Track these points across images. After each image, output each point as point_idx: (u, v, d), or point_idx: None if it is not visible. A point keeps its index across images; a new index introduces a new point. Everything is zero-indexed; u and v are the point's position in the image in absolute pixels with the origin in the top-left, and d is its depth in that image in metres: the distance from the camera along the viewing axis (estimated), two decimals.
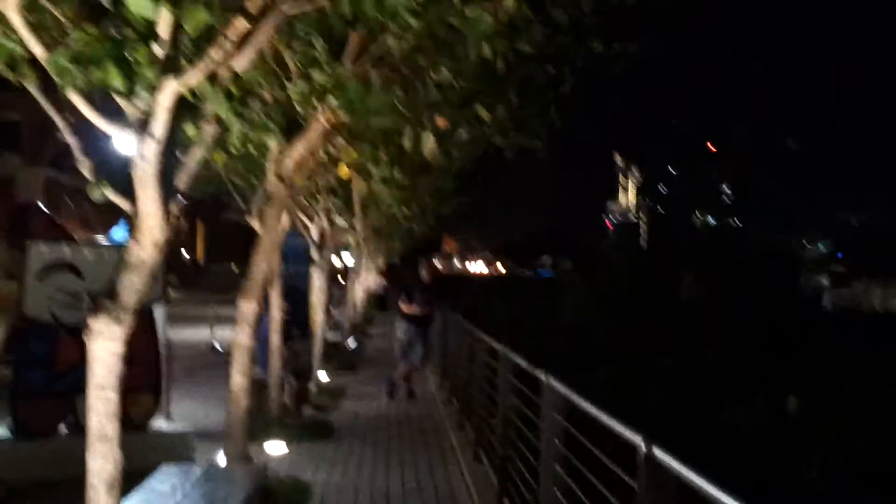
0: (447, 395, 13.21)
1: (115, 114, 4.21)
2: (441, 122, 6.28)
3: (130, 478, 8.09)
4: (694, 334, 16.81)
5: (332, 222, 15.27)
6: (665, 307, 20.91)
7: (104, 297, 4.32)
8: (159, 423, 9.45)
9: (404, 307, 13.89)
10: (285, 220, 10.72)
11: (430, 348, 14.98)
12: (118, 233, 9.29)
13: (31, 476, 8.15)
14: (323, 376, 15.52)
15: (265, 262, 7.65)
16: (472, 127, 7.23)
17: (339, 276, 40.83)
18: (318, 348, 15.03)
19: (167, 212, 4.27)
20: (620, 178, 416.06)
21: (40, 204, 8.90)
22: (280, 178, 7.60)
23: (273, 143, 8.38)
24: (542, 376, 5.08)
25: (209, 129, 4.61)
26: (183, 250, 75.10)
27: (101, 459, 4.47)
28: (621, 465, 3.81)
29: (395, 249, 36.41)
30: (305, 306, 17.35)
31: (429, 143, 6.71)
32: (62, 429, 8.75)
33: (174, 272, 54.47)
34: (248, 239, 10.95)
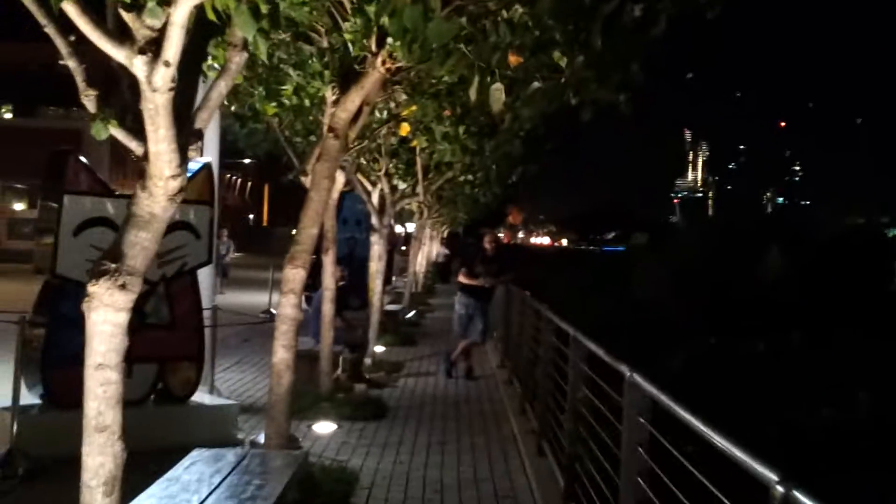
0: (508, 376, 12.39)
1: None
2: (513, 59, 5.41)
3: (166, 456, 7.48)
4: (777, 315, 15.52)
5: (393, 187, 14.52)
6: (744, 284, 19.65)
7: (106, 259, 3.58)
8: (201, 396, 8.81)
9: (464, 279, 13.08)
10: (340, 180, 9.98)
11: (490, 323, 14.19)
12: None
13: (58, 451, 7.53)
14: (379, 349, 14.83)
15: (314, 225, 6.89)
16: (547, 78, 6.35)
17: (401, 245, 40.26)
18: (375, 319, 14.33)
19: (184, 155, 3.51)
20: (690, 154, 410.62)
21: (78, 155, 8.17)
22: (332, 131, 6.82)
23: (328, 93, 7.64)
24: (626, 371, 4.24)
25: (236, 57, 3.83)
26: (250, 214, 75.37)
27: (99, 455, 3.74)
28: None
29: (458, 218, 35.60)
30: (365, 274, 16.69)
31: (497, 94, 5.85)
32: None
33: (239, 235, 54.56)
34: None
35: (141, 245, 3.58)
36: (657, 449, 4.06)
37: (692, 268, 20.10)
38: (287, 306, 6.90)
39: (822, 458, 9.93)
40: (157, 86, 3.28)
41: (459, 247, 49.66)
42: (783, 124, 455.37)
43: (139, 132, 3.51)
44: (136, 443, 8.04)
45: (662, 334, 14.48)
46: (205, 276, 10.09)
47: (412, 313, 22.03)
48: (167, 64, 3.27)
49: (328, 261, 10.15)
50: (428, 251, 37.45)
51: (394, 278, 34.39)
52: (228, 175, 61.60)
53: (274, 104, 8.78)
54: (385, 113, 9.84)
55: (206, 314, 9.49)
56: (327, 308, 10.17)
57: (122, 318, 3.62)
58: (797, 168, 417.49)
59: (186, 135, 3.58)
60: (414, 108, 8.64)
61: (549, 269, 36.30)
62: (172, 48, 3.25)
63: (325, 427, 9.24)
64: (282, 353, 6.89)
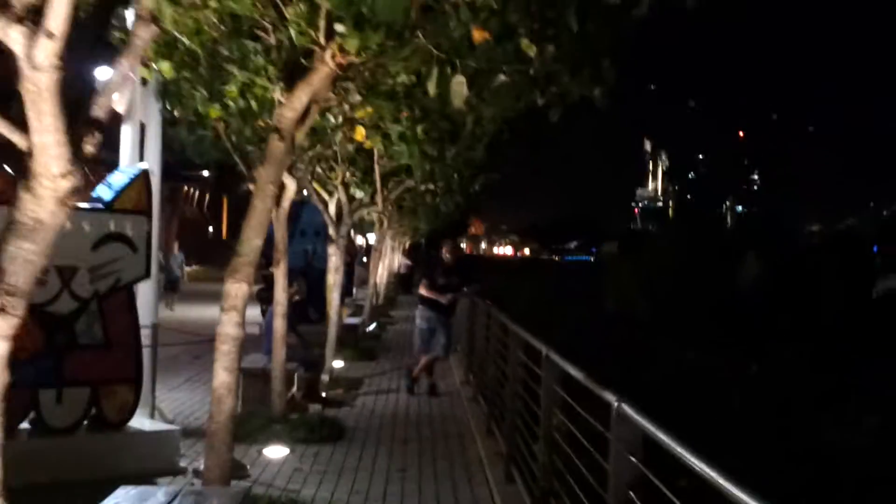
0: (473, 392, 11.76)
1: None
2: (478, 34, 4.82)
3: (99, 488, 6.80)
4: (759, 327, 14.77)
5: (350, 196, 13.87)
6: (723, 294, 18.88)
7: None
8: (140, 421, 8.11)
9: (425, 291, 12.45)
10: (291, 187, 9.34)
11: (453, 336, 13.57)
12: (104, 190, 7.84)
13: None
14: (338, 364, 14.17)
15: (258, 235, 6.25)
16: (514, 71, 5.77)
17: (362, 256, 39.55)
18: (333, 334, 13.67)
19: (77, 149, 2.89)
20: (649, 163, 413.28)
21: None
22: (277, 132, 6.19)
23: (276, 94, 7.02)
24: (614, 401, 3.65)
25: (142, 31, 3.20)
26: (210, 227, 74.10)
27: None
28: None
29: (420, 229, 34.97)
30: (324, 287, 16.00)
31: (458, 88, 5.27)
32: (24, 427, 7.42)
33: (197, 248, 53.47)
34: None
35: (24, 258, 2.94)
36: (648, 487, 3.48)
37: (666, 277, 19.37)
38: (228, 324, 6.25)
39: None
40: (38, 63, 2.66)
41: (422, 258, 49.08)
42: (742, 134, 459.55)
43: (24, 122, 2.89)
44: (68, 474, 7.37)
45: (637, 348, 13.78)
46: (146, 291, 9.44)
47: (373, 326, 21.37)
48: (50, 36, 2.65)
49: (279, 274, 9.49)
50: (389, 262, 36.77)
51: (354, 290, 33.71)
52: (186, 188, 60.41)
53: (218, 106, 8.15)
54: (339, 117, 9.24)
55: (147, 332, 8.82)
56: (279, 324, 9.51)
57: (2, 348, 2.97)
58: (755, 177, 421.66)
59: (81, 125, 2.95)
60: (369, 110, 8.03)
61: (513, 279, 35.61)
62: (57, 17, 2.63)
63: (276, 451, 8.60)
64: (223, 377, 6.24)
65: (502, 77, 5.59)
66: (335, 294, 13.81)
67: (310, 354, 11.42)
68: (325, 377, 12.60)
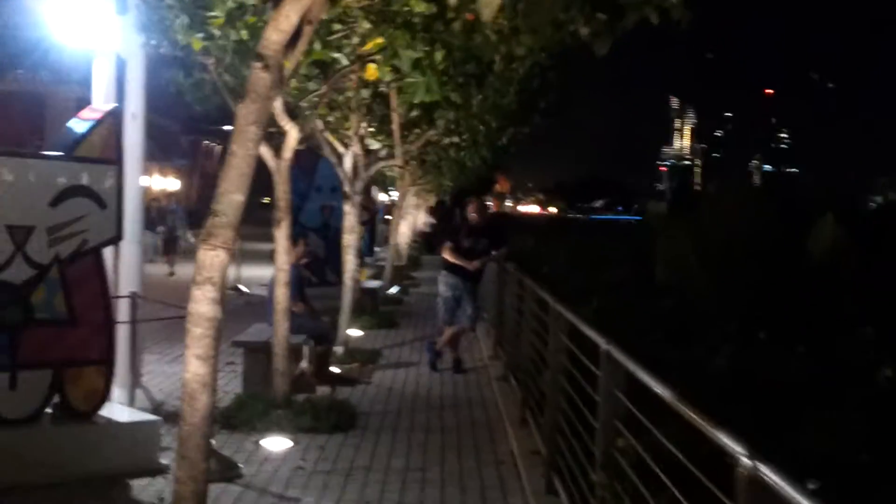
0: (503, 370, 10.43)
1: None
2: None
3: (65, 490, 5.68)
4: (841, 308, 13.14)
5: (366, 149, 12.55)
6: (796, 268, 17.10)
7: None
8: (115, 409, 6.90)
9: (449, 255, 11.11)
10: (294, 135, 8.03)
11: (481, 305, 12.26)
12: (65, 135, 6.48)
13: None
14: (354, 333, 12.94)
15: (238, 189, 4.95)
16: None
17: (385, 214, 38.30)
18: (348, 299, 12.42)
19: None
20: (675, 121, 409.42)
21: None
22: (261, 59, 4.88)
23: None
24: (743, 457, 2.34)
25: None
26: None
27: None
28: None
29: (444, 186, 33.61)
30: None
31: None
32: None
33: (204, 208, 52.31)
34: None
35: None
36: None
37: (732, 244, 17.59)
38: (202, 302, 4.97)
39: None
40: None
41: (445, 215, 47.76)
42: (770, 91, 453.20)
43: None
44: (24, 474, 6.14)
45: (700, 327, 12.27)
46: (129, 253, 8.21)
47: (394, 289, 20.11)
48: None
49: (281, 235, 8.21)
50: (412, 221, 35.51)
51: (377, 249, 32.47)
52: (206, 142, 59.32)
53: (201, 36, 6.85)
54: (349, 55, 7.91)
55: (126, 303, 7.60)
56: (280, 293, 8.24)
57: None
58: (784, 136, 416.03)
59: None
60: (380, 40, 6.69)
61: (543, 240, 34.04)
62: None
63: (276, 443, 7.39)
64: (195, 367, 4.97)
65: None
66: (350, 256, 12.52)
67: (320, 325, 10.17)
68: (338, 349, 11.38)
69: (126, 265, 8.18)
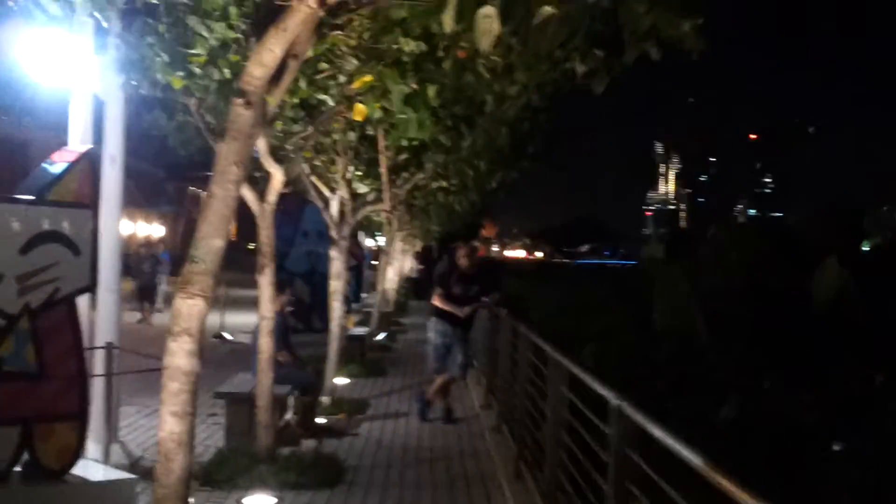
0: (496, 420, 10.06)
1: None
2: None
3: None
4: (851, 352, 12.61)
5: (353, 193, 12.27)
6: (800, 312, 16.54)
7: None
8: (89, 467, 6.51)
9: (439, 302, 10.79)
10: (278, 177, 7.74)
11: (472, 353, 11.91)
12: (38, 177, 6.15)
13: None
14: (341, 382, 12.58)
15: (217, 233, 4.67)
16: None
17: (371, 259, 38.00)
18: (334, 348, 12.06)
19: None
20: (660, 166, 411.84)
21: None
22: (244, 95, 4.60)
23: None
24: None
25: None
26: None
27: None
28: None
29: (431, 231, 33.33)
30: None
31: (486, 24, 3.68)
32: None
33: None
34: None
35: None
36: None
37: (729, 287, 17.09)
38: (178, 354, 4.66)
39: None
40: None
41: (433, 260, 47.42)
42: (753, 136, 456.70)
43: None
44: None
45: (705, 378, 11.84)
46: (106, 302, 7.89)
47: (382, 336, 19.74)
48: None
49: (265, 282, 7.88)
50: (399, 266, 35.17)
51: (363, 295, 32.09)
52: (192, 188, 59.03)
53: (181, 74, 6.58)
54: (333, 89, 7.65)
55: (101, 355, 7.25)
56: (264, 343, 7.90)
57: None
58: (768, 180, 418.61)
59: None
60: (368, 78, 6.43)
61: (532, 285, 33.70)
62: None
63: (259, 501, 7.00)
64: (171, 425, 4.65)
65: (548, 8, 3.93)
66: (336, 303, 12.18)
67: (305, 375, 9.81)
68: (325, 399, 11.01)
69: (103, 314, 7.85)
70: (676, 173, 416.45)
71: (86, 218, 6.19)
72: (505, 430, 9.25)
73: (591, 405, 4.81)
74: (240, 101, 4.65)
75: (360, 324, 19.78)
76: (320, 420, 10.00)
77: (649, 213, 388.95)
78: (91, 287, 6.38)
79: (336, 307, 12.17)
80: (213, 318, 19.66)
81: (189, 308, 4.63)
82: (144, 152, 35.96)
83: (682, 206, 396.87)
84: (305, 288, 20.74)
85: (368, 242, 38.87)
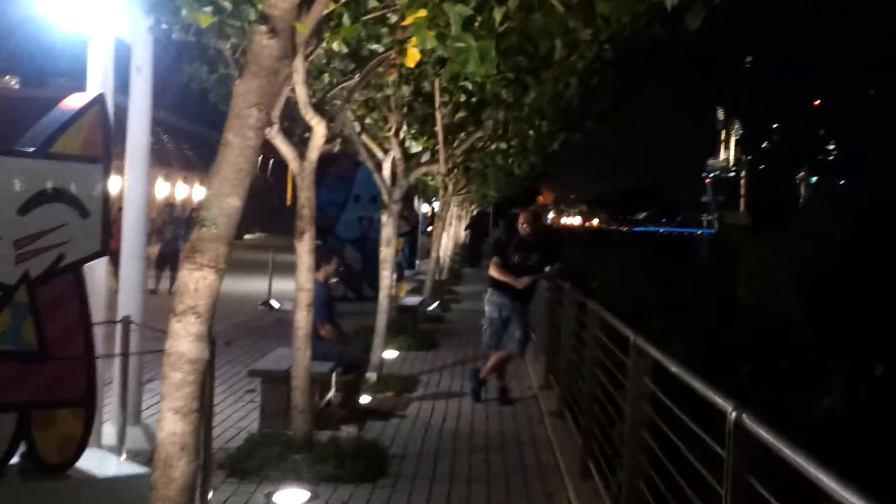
0: (558, 404, 9.15)
1: None
2: None
3: None
4: None
5: (406, 153, 11.38)
6: None
7: None
8: (97, 459, 5.75)
9: (496, 273, 9.89)
10: (320, 131, 6.85)
11: (531, 328, 10.98)
12: (40, 129, 5.26)
13: None
14: (390, 355, 11.80)
15: (233, 191, 3.81)
16: None
17: (427, 225, 37.17)
18: (382, 320, 11.24)
19: None
20: (721, 133, 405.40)
21: None
22: (267, 21, 3.73)
23: None
24: None
25: None
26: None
27: None
28: None
29: (488, 196, 32.40)
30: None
31: None
32: None
33: (261, 215, 51.50)
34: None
35: None
36: None
37: (832, 263, 15.77)
38: (182, 338, 3.83)
39: None
40: None
41: (485, 226, 46.50)
42: (817, 102, 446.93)
43: None
44: None
45: (795, 359, 10.80)
46: (128, 270, 7.14)
47: (434, 305, 18.89)
48: None
49: (303, 249, 7.05)
50: (455, 232, 34.31)
51: (417, 262, 31.31)
52: None
53: (209, 9, 5.74)
54: (383, 33, 6.76)
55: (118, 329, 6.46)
56: (301, 317, 7.07)
57: None
58: (831, 147, 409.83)
59: None
60: (422, 13, 5.50)
61: (591, 253, 32.64)
62: None
63: (292, 497, 6.23)
64: (172, 424, 3.83)
65: None
66: (386, 272, 11.35)
67: (350, 351, 9.00)
68: (371, 375, 10.21)
69: (126, 284, 7.10)
70: (737, 139, 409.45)
71: (96, 173, 5.40)
72: (568, 417, 8.34)
73: (683, 403, 3.90)
74: (263, 28, 3.78)
75: (413, 292, 18.98)
76: (365, 399, 9.20)
77: (708, 181, 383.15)
78: (102, 252, 5.59)
79: (385, 276, 11.33)
80: (261, 285, 19.08)
81: (196, 282, 3.79)
82: (201, 114, 35.20)
83: (742, 174, 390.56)
84: (356, 255, 19.95)
85: (424, 208, 37.99)
